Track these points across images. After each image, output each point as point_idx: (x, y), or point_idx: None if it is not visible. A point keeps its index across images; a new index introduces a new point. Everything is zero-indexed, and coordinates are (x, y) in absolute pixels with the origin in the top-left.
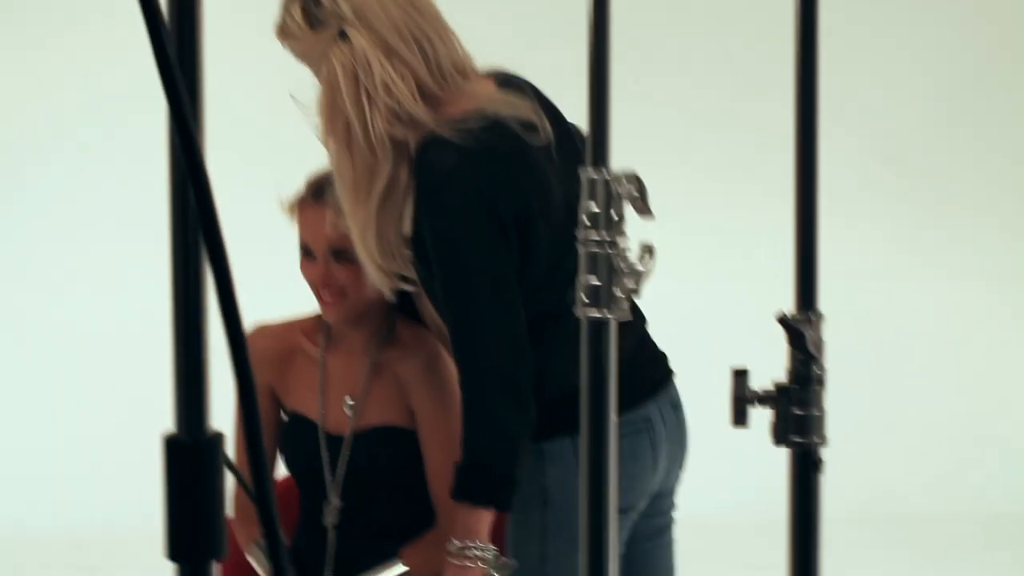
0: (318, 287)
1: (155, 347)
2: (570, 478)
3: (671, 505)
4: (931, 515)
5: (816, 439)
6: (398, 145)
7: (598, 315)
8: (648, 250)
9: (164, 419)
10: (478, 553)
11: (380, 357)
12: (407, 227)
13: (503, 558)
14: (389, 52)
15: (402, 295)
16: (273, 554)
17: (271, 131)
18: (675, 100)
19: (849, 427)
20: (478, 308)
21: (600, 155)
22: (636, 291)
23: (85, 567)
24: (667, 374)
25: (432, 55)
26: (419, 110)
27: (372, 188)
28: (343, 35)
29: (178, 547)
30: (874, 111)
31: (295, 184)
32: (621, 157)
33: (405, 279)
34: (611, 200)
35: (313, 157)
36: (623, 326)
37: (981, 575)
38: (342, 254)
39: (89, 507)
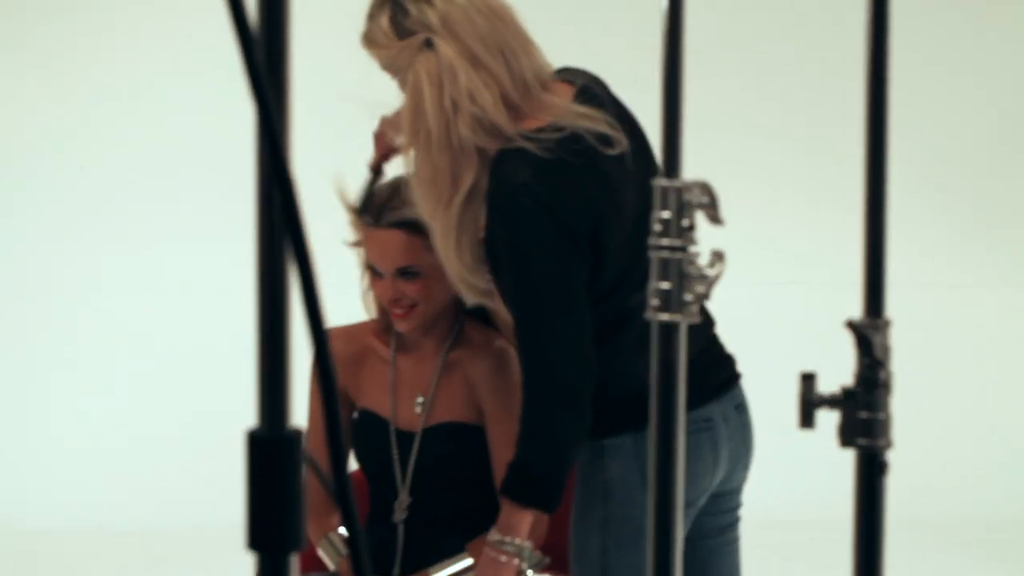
0: (388, 304)
1: (236, 345)
2: (631, 475)
3: (736, 504)
4: (992, 520)
5: (882, 442)
6: (481, 153)
7: (668, 319)
8: (718, 256)
9: (236, 415)
10: (513, 549)
11: (449, 357)
12: (481, 234)
13: (537, 553)
14: (475, 62)
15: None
16: (353, 548)
17: (356, 135)
18: (743, 109)
19: (911, 431)
20: (546, 319)
21: (672, 164)
22: (706, 296)
23: (159, 558)
24: (733, 376)
25: (515, 66)
26: (501, 118)
27: (454, 195)
28: (429, 44)
29: (259, 538)
30: (936, 122)
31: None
32: (692, 164)
33: (483, 288)
34: (682, 208)
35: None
36: (690, 328)
37: None
38: (408, 272)
39: (166, 500)
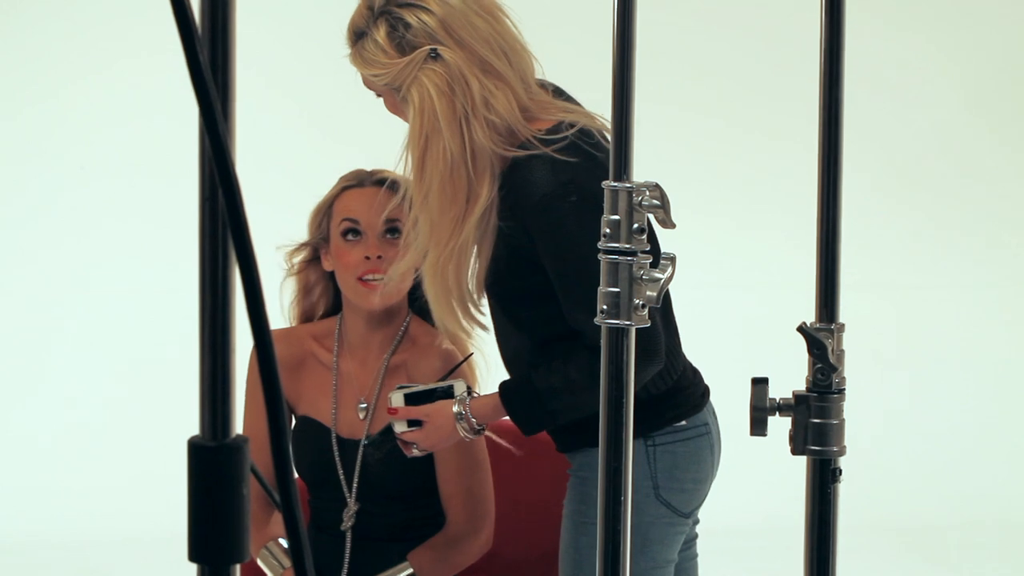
0: (364, 268)
1: (179, 351)
2: (642, 481)
3: (697, 519)
4: (946, 524)
5: (835, 448)
6: (493, 163)
7: (617, 324)
8: (669, 259)
9: (179, 424)
10: (467, 429)
11: (393, 359)
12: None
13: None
14: (484, 67)
15: (414, 297)
16: (298, 559)
17: (302, 138)
18: (695, 110)
19: (865, 436)
20: None
21: (622, 166)
22: (655, 300)
23: (95, 570)
24: (707, 386)
25: (518, 66)
26: (517, 122)
27: (471, 210)
28: (434, 55)
29: (201, 549)
30: (892, 123)
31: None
32: (641, 166)
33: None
34: (632, 210)
35: (343, 160)
36: (677, 335)
37: None
38: (395, 229)
39: (101, 512)
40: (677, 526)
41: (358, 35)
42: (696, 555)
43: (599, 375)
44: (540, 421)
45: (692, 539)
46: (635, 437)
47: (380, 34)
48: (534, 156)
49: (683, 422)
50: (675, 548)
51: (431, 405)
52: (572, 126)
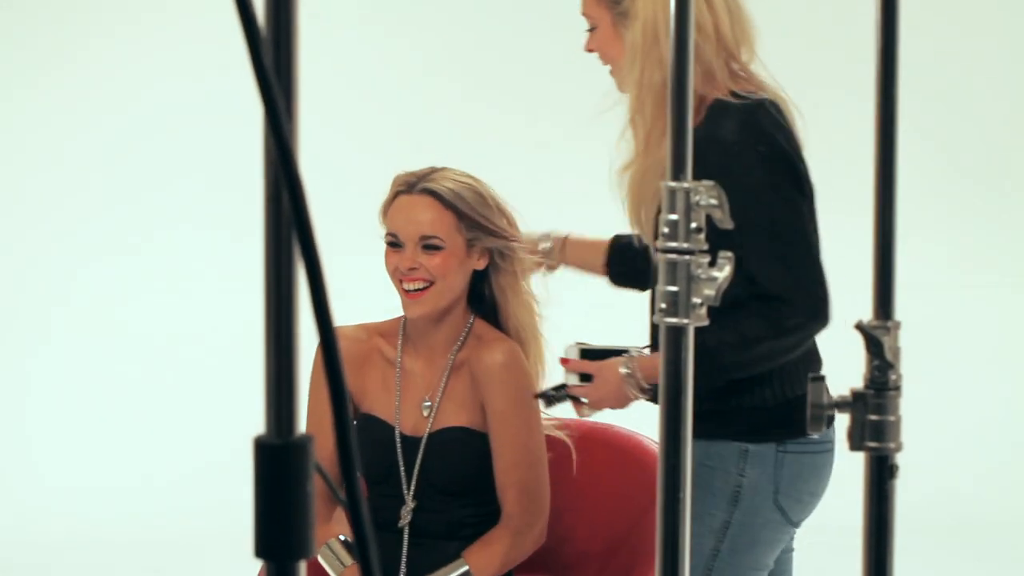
0: (402, 276)
1: (246, 350)
2: (766, 484)
3: None
4: (1003, 523)
5: (892, 445)
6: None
7: (676, 322)
8: (727, 259)
9: (246, 423)
10: (635, 389)
11: (458, 357)
12: None
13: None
14: (713, 9)
15: (481, 299)
16: (364, 557)
17: (366, 136)
18: None
19: (922, 434)
20: (798, 248)
21: (679, 165)
22: (714, 299)
23: (160, 569)
24: None
25: (738, 28)
26: (719, 65)
27: None
28: None
29: (267, 546)
30: (948, 122)
31: (385, 186)
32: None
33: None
34: (690, 209)
35: (405, 161)
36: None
37: None
38: (431, 245)
39: (167, 510)
40: (784, 533)
41: None
42: (792, 548)
43: (774, 331)
44: (711, 376)
45: (790, 539)
46: (768, 441)
47: None
48: (730, 104)
49: (816, 435)
50: (775, 554)
51: (602, 361)
52: (767, 95)
